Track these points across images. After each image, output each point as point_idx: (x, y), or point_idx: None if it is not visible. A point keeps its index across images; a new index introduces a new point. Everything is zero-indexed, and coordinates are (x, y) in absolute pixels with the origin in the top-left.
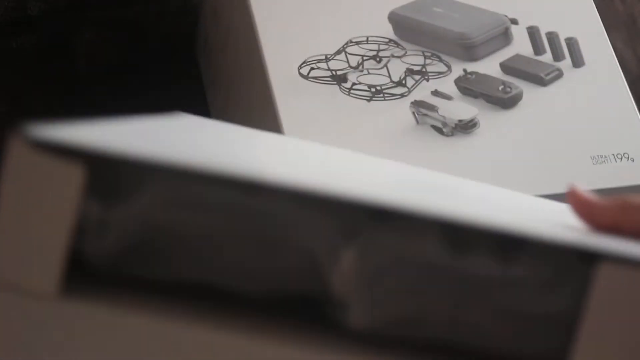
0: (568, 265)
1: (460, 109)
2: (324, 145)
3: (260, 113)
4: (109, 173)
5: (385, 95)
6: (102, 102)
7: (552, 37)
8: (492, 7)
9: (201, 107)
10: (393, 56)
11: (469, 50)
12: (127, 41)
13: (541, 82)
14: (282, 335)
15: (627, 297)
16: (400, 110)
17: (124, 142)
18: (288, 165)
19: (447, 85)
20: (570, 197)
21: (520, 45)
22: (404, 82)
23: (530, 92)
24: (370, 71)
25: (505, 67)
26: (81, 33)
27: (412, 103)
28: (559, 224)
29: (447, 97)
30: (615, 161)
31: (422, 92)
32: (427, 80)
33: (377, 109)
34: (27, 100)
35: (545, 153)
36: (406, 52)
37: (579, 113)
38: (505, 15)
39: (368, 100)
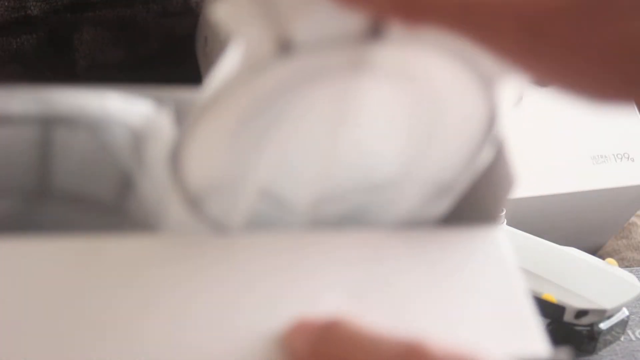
0: None
1: None
2: None
3: None
4: None
5: None
6: None
7: None
8: None
9: None
10: None
11: None
12: (127, 41)
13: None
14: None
15: None
16: None
17: None
18: None
19: None
20: None
21: None
22: None
23: (530, 92)
24: None
25: None
26: (81, 33)
27: None
28: None
29: None
30: (615, 161)
31: None
32: None
33: None
34: None
35: (545, 153)
36: None
37: (579, 113)
38: None
39: None
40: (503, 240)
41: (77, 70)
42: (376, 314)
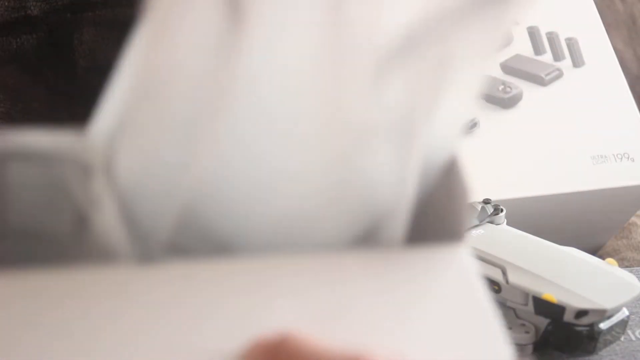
0: None
1: None
2: None
3: None
4: None
5: None
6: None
7: (552, 37)
8: None
9: None
10: None
11: None
12: (127, 41)
13: (541, 82)
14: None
15: None
16: None
17: None
18: None
19: None
20: None
21: (520, 45)
22: None
23: (530, 92)
24: None
25: (505, 67)
26: (81, 33)
27: None
28: None
29: None
30: (615, 161)
31: None
32: None
33: None
34: (27, 100)
35: (545, 153)
36: None
37: (579, 113)
38: None
39: None
40: (466, 257)
41: (77, 70)
42: (337, 334)
